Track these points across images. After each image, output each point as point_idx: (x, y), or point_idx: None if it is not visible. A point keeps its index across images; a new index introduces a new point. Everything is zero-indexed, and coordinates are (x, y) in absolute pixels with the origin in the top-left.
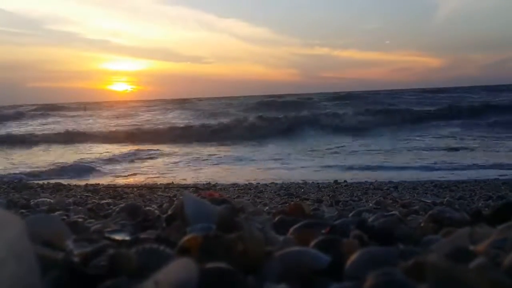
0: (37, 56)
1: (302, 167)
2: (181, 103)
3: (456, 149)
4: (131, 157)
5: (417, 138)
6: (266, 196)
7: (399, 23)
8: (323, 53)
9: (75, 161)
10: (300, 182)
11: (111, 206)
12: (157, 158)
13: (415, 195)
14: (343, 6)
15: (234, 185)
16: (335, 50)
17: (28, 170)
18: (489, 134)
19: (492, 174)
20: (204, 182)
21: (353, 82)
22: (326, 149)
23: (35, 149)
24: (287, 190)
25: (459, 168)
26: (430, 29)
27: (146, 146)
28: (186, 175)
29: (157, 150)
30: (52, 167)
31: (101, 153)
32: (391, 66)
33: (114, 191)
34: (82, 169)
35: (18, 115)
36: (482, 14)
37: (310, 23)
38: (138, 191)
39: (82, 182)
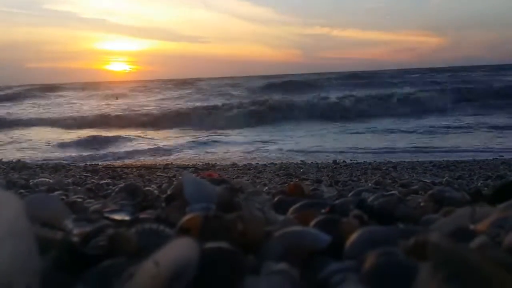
0: (35, 36)
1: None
2: (186, 84)
3: None
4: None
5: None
6: (265, 176)
7: (400, 1)
8: (324, 33)
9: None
10: (299, 162)
11: (110, 186)
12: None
13: (414, 175)
14: None
15: (233, 165)
16: (335, 30)
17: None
18: None
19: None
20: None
21: (354, 62)
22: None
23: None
24: (286, 170)
25: None
26: (431, 8)
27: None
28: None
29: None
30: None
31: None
32: (393, 46)
33: (113, 171)
34: None
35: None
36: None
37: (310, 3)
38: (137, 172)
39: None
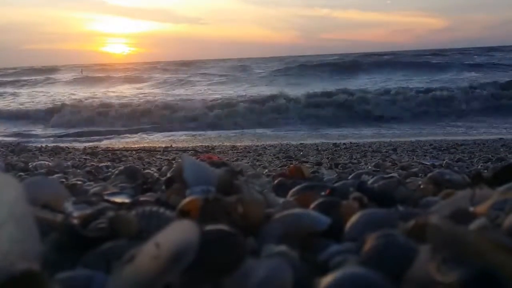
0: (31, 18)
1: None
2: (188, 65)
3: None
4: None
5: None
6: (265, 159)
7: None
8: (324, 14)
9: None
10: (299, 144)
11: (110, 169)
12: None
13: (414, 157)
14: None
15: (233, 148)
16: (335, 11)
17: None
18: None
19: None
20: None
21: (354, 44)
22: None
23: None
24: (286, 153)
25: None
26: None
27: None
28: None
29: None
30: None
31: None
32: (392, 27)
33: (112, 154)
34: None
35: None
36: None
37: None
38: (136, 154)
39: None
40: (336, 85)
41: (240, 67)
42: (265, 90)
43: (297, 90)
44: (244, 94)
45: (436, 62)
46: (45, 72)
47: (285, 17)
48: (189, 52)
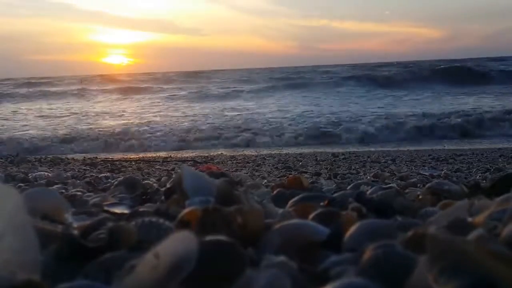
0: (32, 27)
1: None
2: (194, 77)
3: None
4: None
5: None
6: (264, 169)
7: None
8: (322, 25)
9: None
10: (298, 155)
11: (109, 180)
12: None
13: (413, 167)
14: None
15: (232, 158)
16: (333, 21)
17: None
18: None
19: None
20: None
21: (352, 54)
22: None
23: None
24: (285, 163)
25: None
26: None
27: None
28: None
29: None
30: None
31: None
32: (390, 37)
33: (112, 164)
34: None
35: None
36: None
37: None
38: (136, 165)
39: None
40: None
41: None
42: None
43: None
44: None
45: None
46: (45, 85)
47: (285, 28)
48: (191, 62)
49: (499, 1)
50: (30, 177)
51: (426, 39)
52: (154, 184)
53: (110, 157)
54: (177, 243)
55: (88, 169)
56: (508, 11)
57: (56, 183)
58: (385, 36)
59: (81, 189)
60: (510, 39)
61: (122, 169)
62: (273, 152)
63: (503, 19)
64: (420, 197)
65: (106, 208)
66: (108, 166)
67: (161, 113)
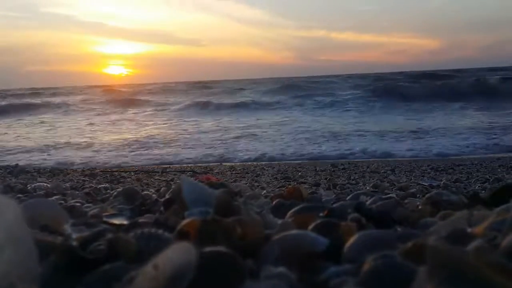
0: (34, 39)
1: None
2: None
3: None
4: None
5: None
6: (263, 180)
7: (395, 4)
8: (320, 36)
9: None
10: (297, 165)
11: (108, 191)
12: None
13: (412, 178)
14: None
15: (231, 168)
16: (332, 33)
17: None
18: None
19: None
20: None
21: (350, 65)
22: None
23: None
24: (284, 173)
25: None
26: (426, 11)
27: None
28: None
29: None
30: None
31: None
32: (388, 48)
33: (111, 175)
34: None
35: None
36: None
37: (306, 5)
38: (135, 176)
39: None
40: None
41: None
42: None
43: None
44: None
45: None
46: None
47: (284, 39)
48: (190, 72)
49: (498, 12)
50: (29, 188)
51: (424, 49)
52: (153, 195)
53: (109, 168)
54: (176, 254)
55: (87, 180)
56: (506, 22)
57: (55, 194)
58: (383, 46)
59: (80, 200)
60: (508, 50)
61: (121, 180)
62: (272, 163)
63: (500, 30)
64: (420, 207)
65: (105, 219)
66: (107, 176)
67: (163, 125)
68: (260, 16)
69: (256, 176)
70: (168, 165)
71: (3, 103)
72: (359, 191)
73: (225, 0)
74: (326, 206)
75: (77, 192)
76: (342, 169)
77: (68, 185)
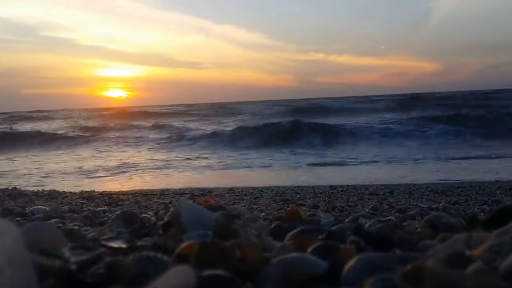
0: (32, 62)
1: None
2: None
3: None
4: None
5: None
6: (262, 202)
7: (393, 27)
8: (319, 59)
9: None
10: (296, 187)
11: (106, 213)
12: None
13: (411, 200)
14: (338, 12)
15: (230, 191)
16: (330, 56)
17: None
18: None
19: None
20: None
21: (348, 88)
22: None
23: None
24: (282, 196)
25: None
26: (424, 34)
27: None
28: None
29: None
30: None
31: None
32: (386, 71)
33: (109, 198)
34: None
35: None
36: (476, 18)
37: (305, 29)
38: (133, 198)
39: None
40: None
41: None
42: None
43: None
44: None
45: None
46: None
47: (283, 62)
48: (190, 95)
49: (493, 36)
50: (27, 211)
51: (422, 72)
52: (152, 218)
53: (108, 191)
54: (175, 278)
55: (85, 203)
56: (503, 45)
57: (54, 217)
58: (381, 69)
59: (79, 223)
60: (503, 72)
61: (120, 203)
62: (271, 185)
63: (496, 53)
64: (419, 230)
65: (103, 242)
66: (105, 199)
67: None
68: (259, 40)
69: (255, 199)
70: (166, 188)
71: None
72: (358, 214)
73: (225, 24)
74: (325, 228)
75: (75, 215)
76: (341, 191)
77: (66, 208)
